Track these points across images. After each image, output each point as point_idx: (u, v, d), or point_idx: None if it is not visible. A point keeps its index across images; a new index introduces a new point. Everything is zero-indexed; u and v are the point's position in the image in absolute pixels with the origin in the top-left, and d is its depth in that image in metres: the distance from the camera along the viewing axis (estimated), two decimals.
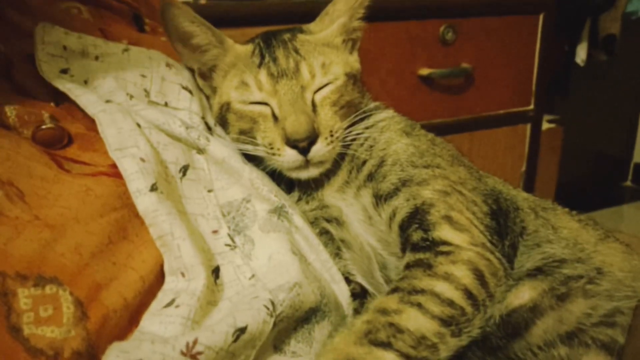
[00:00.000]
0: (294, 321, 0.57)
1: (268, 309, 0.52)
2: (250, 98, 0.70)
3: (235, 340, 0.48)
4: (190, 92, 0.72)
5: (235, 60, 0.74)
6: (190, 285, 0.52)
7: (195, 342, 0.45)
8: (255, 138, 0.71)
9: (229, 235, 0.62)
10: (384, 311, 0.53)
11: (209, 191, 0.64)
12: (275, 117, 0.69)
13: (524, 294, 0.59)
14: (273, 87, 0.69)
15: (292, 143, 0.67)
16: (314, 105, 0.70)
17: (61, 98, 0.65)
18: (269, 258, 0.61)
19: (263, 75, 0.70)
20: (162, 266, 0.53)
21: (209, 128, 0.73)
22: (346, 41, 0.78)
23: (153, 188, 0.55)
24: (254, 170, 0.67)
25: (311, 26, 0.78)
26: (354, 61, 0.78)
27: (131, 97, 0.67)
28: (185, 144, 0.66)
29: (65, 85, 0.65)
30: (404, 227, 0.63)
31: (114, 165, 0.58)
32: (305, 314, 0.58)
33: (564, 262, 0.61)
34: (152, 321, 0.49)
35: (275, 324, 0.52)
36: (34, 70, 0.65)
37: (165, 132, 0.64)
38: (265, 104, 0.70)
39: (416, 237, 0.61)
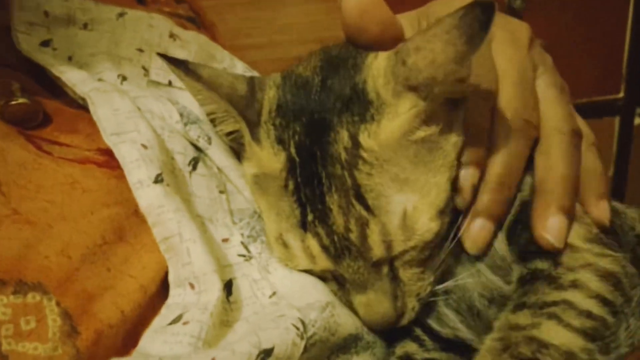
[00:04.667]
0: (328, 348, 0.57)
1: (298, 329, 0.52)
2: (298, 265, 0.61)
3: None
4: None
5: (262, 174, 0.62)
6: (201, 299, 0.52)
7: None
8: None
9: (242, 243, 0.62)
10: (516, 327, 0.55)
11: (221, 192, 0.65)
12: (339, 282, 0.62)
13: None
14: (331, 263, 0.59)
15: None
16: (392, 270, 0.60)
17: (42, 78, 0.67)
18: (292, 270, 0.61)
19: (313, 244, 0.58)
20: (166, 274, 0.54)
21: None
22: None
23: (158, 179, 0.56)
24: None
25: (382, 92, 0.57)
26: (450, 163, 0.59)
27: (124, 78, 0.68)
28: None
29: (47, 60, 0.66)
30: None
31: (102, 151, 0.58)
32: (343, 341, 0.58)
33: None
34: (153, 340, 0.49)
35: (306, 348, 0.52)
36: (13, 44, 0.66)
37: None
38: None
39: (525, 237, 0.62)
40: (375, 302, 0.59)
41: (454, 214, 0.61)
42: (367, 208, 0.56)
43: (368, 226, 0.56)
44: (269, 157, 0.60)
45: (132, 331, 0.50)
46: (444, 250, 0.61)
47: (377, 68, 0.58)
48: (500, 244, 0.63)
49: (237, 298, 0.57)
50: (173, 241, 0.54)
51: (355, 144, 0.56)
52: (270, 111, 0.61)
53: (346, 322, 0.58)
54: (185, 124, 0.66)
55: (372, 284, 0.59)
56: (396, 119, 0.56)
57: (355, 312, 0.61)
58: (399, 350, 0.65)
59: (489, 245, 0.62)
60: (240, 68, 0.82)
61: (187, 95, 0.69)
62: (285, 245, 0.60)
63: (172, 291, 0.53)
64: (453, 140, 0.59)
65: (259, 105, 0.62)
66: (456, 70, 0.54)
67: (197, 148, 0.66)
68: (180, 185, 0.61)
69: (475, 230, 0.61)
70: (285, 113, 0.60)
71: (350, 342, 0.59)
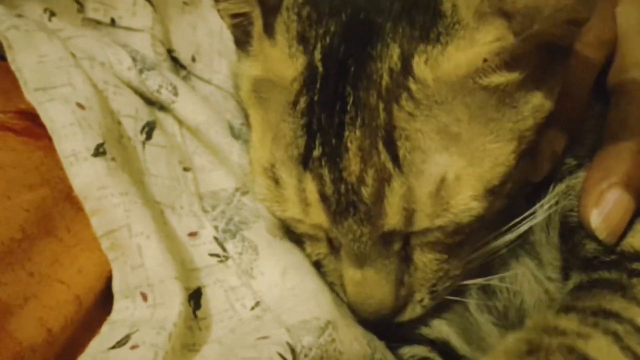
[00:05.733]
0: None
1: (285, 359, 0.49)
2: (286, 210, 0.56)
3: None
4: (150, 2, 0.70)
5: (266, 79, 0.56)
6: (156, 314, 0.49)
7: None
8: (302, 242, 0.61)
9: (216, 239, 0.59)
10: (554, 330, 0.48)
11: (186, 170, 0.62)
12: (332, 245, 0.58)
13: None
14: (328, 220, 0.54)
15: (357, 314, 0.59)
16: (405, 249, 0.56)
17: None
18: (283, 274, 0.58)
19: (310, 189, 0.52)
20: (110, 280, 0.51)
21: (181, 66, 0.71)
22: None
23: (99, 151, 0.53)
24: None
25: (461, 6, 0.49)
26: (521, 131, 0.52)
27: (52, 14, 0.65)
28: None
29: None
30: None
31: (23, 113, 0.56)
32: None
33: None
34: None
35: None
36: None
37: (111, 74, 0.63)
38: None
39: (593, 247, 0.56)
40: (372, 283, 0.54)
41: (513, 199, 0.55)
42: (395, 160, 0.49)
43: (389, 184, 0.49)
44: (281, 58, 0.52)
45: (63, 356, 0.48)
46: (487, 242, 0.56)
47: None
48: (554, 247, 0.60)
49: (207, 313, 0.54)
50: (119, 236, 0.51)
51: (406, 68, 0.48)
52: None
53: (350, 350, 0.54)
54: (141, 71, 0.62)
55: (374, 260, 0.54)
56: (470, 48, 0.48)
57: (343, 288, 0.56)
58: None
59: (624, 230, 0.56)
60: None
61: (139, 37, 0.67)
62: (275, 180, 0.54)
63: (117, 303, 0.51)
64: (536, 101, 0.51)
65: None
66: (574, 8, 0.45)
67: (161, 107, 0.63)
68: (130, 159, 0.58)
69: (610, 205, 0.55)
70: (319, 1, 0.52)
71: None
